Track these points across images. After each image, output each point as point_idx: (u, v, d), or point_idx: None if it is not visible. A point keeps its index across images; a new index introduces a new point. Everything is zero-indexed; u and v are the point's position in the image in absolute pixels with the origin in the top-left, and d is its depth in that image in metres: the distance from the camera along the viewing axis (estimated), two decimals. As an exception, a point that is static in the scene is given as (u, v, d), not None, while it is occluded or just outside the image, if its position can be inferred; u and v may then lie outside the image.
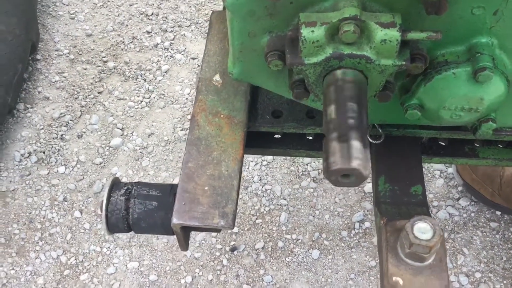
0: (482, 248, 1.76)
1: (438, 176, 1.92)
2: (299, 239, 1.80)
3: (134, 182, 1.02)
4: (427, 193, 1.88)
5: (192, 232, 1.64)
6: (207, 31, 1.21)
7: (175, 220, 0.93)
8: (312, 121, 1.09)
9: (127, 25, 2.38)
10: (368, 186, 1.88)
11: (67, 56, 2.28)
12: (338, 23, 0.75)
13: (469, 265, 1.73)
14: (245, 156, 1.87)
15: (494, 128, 0.90)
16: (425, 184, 1.87)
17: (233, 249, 1.78)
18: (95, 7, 2.46)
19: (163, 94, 2.16)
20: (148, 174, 1.95)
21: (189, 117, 2.07)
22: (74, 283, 1.72)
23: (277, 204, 1.87)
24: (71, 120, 2.08)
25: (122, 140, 2.03)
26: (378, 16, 0.75)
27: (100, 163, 1.98)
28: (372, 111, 0.97)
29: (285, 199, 1.88)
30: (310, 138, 1.16)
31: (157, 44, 2.31)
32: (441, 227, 1.73)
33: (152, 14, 2.42)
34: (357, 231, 1.81)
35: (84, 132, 2.06)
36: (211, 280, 1.72)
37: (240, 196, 1.89)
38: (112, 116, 2.10)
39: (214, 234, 1.79)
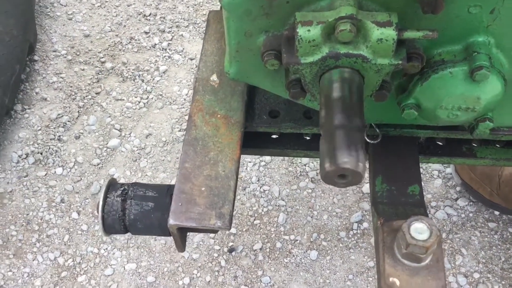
0: (480, 248, 1.76)
1: (436, 176, 1.92)
2: (297, 240, 1.79)
3: (131, 183, 1.01)
4: (425, 193, 1.88)
5: (190, 233, 1.64)
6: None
7: (171, 221, 0.93)
8: (309, 121, 1.08)
9: (125, 26, 2.38)
10: (366, 187, 1.88)
11: (65, 57, 2.27)
12: (334, 22, 0.75)
13: (468, 266, 1.72)
14: (243, 156, 1.87)
15: (491, 127, 0.90)
16: (423, 184, 1.88)
17: (231, 250, 1.77)
18: (93, 7, 2.45)
19: (161, 95, 2.16)
20: (146, 175, 1.95)
21: (187, 117, 2.07)
22: (71, 284, 1.72)
23: (275, 205, 1.87)
24: (68, 121, 2.08)
25: (119, 141, 2.03)
26: (374, 15, 0.75)
27: (98, 164, 1.97)
28: (369, 110, 0.96)
29: (283, 200, 1.88)
30: (308, 138, 1.15)
31: (155, 44, 2.31)
32: (438, 227, 1.73)
33: (150, 14, 2.42)
34: (355, 231, 1.81)
35: (82, 133, 2.05)
36: (209, 281, 1.72)
37: (238, 197, 1.89)
38: (109, 117, 2.09)
39: (212, 235, 1.78)
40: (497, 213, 1.82)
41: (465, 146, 1.13)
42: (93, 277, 1.73)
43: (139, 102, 2.13)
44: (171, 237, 0.98)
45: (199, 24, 2.38)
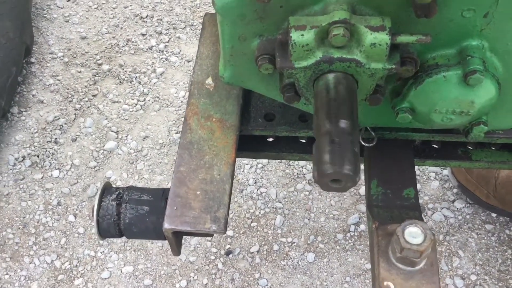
0: (477, 250, 1.76)
1: (433, 178, 1.92)
2: (294, 242, 1.79)
3: (126, 186, 1.01)
4: (422, 195, 1.88)
5: (187, 236, 1.64)
6: (200, 33, 1.21)
7: (166, 225, 0.93)
8: (304, 125, 1.09)
9: (121, 28, 2.38)
10: (363, 189, 1.88)
11: (62, 59, 2.27)
12: (327, 27, 0.75)
13: (465, 268, 1.73)
14: (240, 159, 1.87)
15: (486, 131, 0.90)
16: (420, 186, 1.88)
17: (228, 252, 1.77)
18: (90, 9, 2.45)
19: (158, 97, 2.16)
20: (143, 177, 1.95)
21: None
22: (68, 287, 1.71)
23: (272, 207, 1.87)
24: (65, 124, 2.08)
25: (116, 144, 2.02)
26: (368, 20, 0.75)
27: (95, 167, 1.97)
28: (364, 114, 0.97)
29: (280, 202, 1.88)
30: (303, 141, 1.15)
31: (152, 46, 2.31)
32: (433, 231, 1.73)
33: (147, 16, 2.41)
34: (352, 234, 1.81)
35: (79, 135, 2.05)
36: (206, 284, 1.72)
37: (235, 199, 1.88)
38: (106, 119, 2.09)
39: (208, 237, 1.78)
40: (494, 215, 1.82)
41: (460, 149, 1.13)
42: (90, 280, 1.73)
43: (136, 104, 2.13)
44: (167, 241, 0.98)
45: (196, 26, 2.38)
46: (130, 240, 1.79)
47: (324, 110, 0.77)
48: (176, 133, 2.05)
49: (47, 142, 2.03)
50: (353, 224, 1.82)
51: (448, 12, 0.78)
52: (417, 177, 1.91)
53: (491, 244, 1.77)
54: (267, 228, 1.82)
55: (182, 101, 2.14)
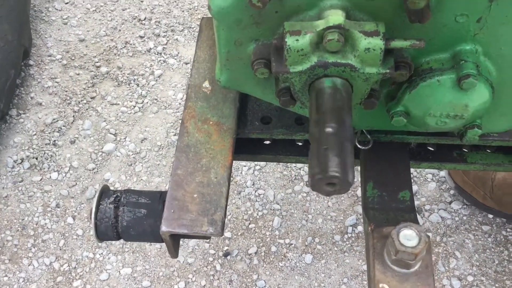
0: (474, 251, 1.76)
1: (430, 179, 1.93)
2: (292, 244, 1.80)
3: (124, 189, 1.02)
4: (419, 196, 1.89)
5: (184, 238, 1.64)
6: (197, 37, 1.21)
7: (164, 228, 0.94)
8: (301, 128, 1.09)
9: (120, 30, 2.39)
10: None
11: (60, 62, 2.28)
12: (322, 32, 0.76)
13: (462, 269, 1.73)
14: (238, 161, 1.88)
15: (480, 134, 0.91)
16: (417, 187, 1.89)
17: (226, 254, 1.78)
18: (88, 12, 2.46)
19: (156, 99, 2.16)
20: (141, 179, 1.95)
21: (182, 122, 2.07)
22: (67, 289, 1.72)
23: (270, 209, 1.88)
24: (63, 126, 2.08)
25: (115, 146, 2.03)
26: (362, 25, 0.76)
27: (93, 169, 1.98)
28: (359, 117, 0.97)
29: (278, 204, 1.89)
30: (300, 144, 1.16)
31: (150, 49, 2.32)
32: (427, 233, 1.73)
33: (145, 18, 2.42)
34: (350, 235, 1.81)
35: (77, 137, 2.06)
36: (204, 285, 1.72)
37: (233, 201, 1.89)
38: (105, 121, 2.10)
39: (206, 240, 1.79)
40: (490, 216, 1.83)
41: (455, 151, 1.14)
42: (89, 282, 1.73)
43: (134, 106, 2.14)
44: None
45: (194, 28, 2.39)
46: (128, 242, 1.79)
47: (318, 114, 0.78)
48: (174, 135, 2.06)
49: (46, 144, 2.03)
50: (351, 226, 1.83)
51: (442, 17, 0.78)
52: (414, 179, 1.92)
53: (488, 245, 1.78)
54: (265, 229, 1.83)
55: (180, 103, 2.15)
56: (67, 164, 1.98)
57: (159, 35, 2.36)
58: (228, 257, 1.77)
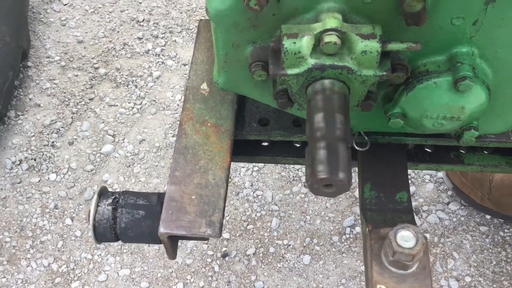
0: (472, 252, 1.77)
1: (428, 180, 1.93)
2: (290, 245, 1.80)
3: (122, 191, 1.02)
4: (417, 197, 1.89)
5: (183, 240, 1.65)
6: (195, 39, 1.22)
7: (162, 230, 0.94)
8: (299, 129, 1.10)
9: (118, 32, 2.39)
10: (359, 191, 1.89)
11: (58, 63, 2.28)
12: (319, 35, 0.76)
13: (459, 269, 1.74)
14: (236, 162, 1.88)
15: (477, 135, 0.91)
16: (415, 188, 1.90)
17: (224, 255, 1.78)
18: (86, 13, 2.46)
19: (154, 101, 2.17)
20: (140, 180, 1.95)
21: (180, 123, 2.07)
22: (65, 290, 1.72)
23: (269, 210, 1.88)
24: (62, 127, 2.08)
25: (113, 147, 2.03)
26: (359, 28, 0.76)
27: (91, 170, 1.98)
28: (357, 119, 0.98)
29: (276, 205, 1.89)
30: (297, 145, 1.17)
31: (148, 50, 2.32)
32: (425, 234, 1.74)
33: (143, 20, 2.42)
34: (348, 236, 1.82)
35: (75, 139, 2.06)
36: (203, 286, 1.73)
37: (231, 202, 1.90)
38: (103, 122, 2.10)
39: (204, 241, 1.79)
40: (488, 217, 1.83)
41: (453, 153, 1.15)
42: (87, 283, 1.73)
43: (133, 107, 2.14)
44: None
45: (192, 30, 2.39)
46: (127, 243, 1.79)
47: (314, 116, 0.78)
48: (173, 136, 2.06)
49: (44, 145, 2.04)
50: (349, 227, 1.83)
51: (438, 20, 0.79)
52: (412, 180, 1.92)
53: (486, 246, 1.78)
54: (263, 230, 1.84)
55: (178, 105, 2.15)
56: (66, 165, 1.99)
57: (157, 37, 2.36)
58: (227, 258, 1.78)
